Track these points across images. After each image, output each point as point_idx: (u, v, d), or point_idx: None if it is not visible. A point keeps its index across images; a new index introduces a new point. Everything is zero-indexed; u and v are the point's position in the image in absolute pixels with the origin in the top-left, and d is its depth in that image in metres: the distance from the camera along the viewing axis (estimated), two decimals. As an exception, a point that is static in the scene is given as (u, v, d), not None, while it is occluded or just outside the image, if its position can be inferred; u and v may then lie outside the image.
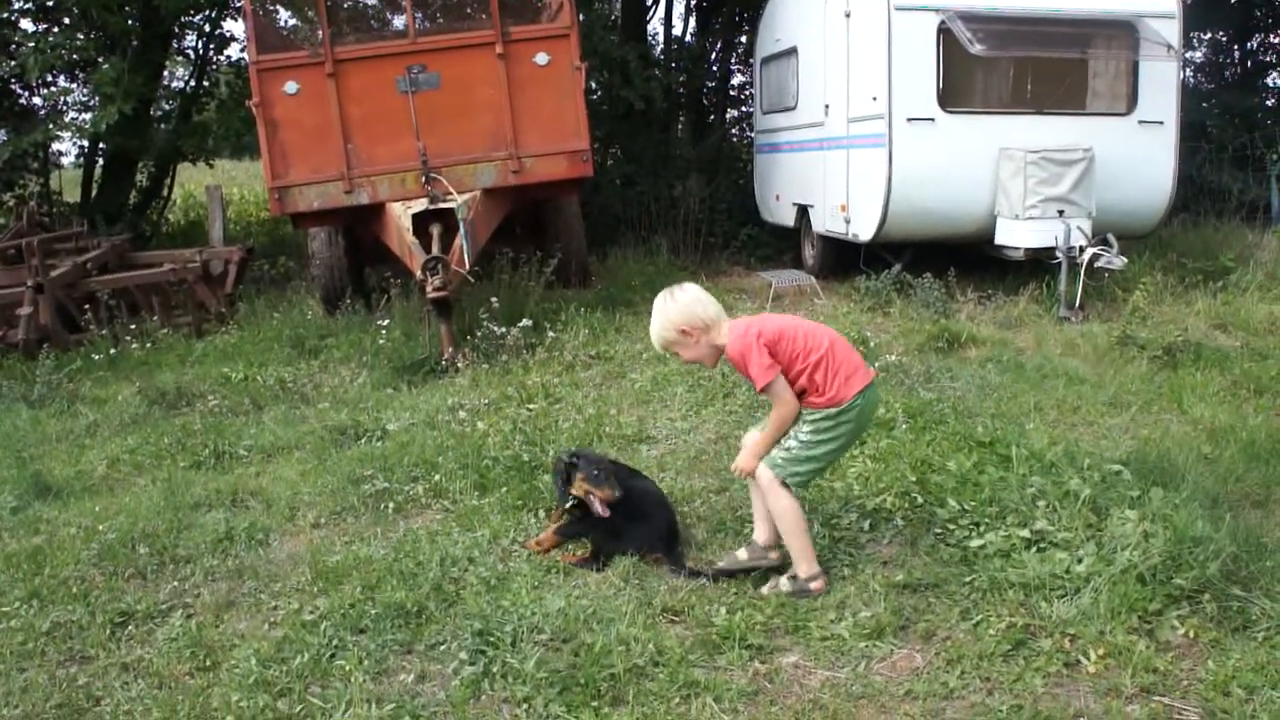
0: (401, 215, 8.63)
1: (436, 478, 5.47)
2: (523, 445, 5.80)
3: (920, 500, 4.77)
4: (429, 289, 7.78)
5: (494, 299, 8.70)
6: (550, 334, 8.35)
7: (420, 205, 8.68)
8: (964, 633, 3.70)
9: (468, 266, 8.10)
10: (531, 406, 6.69)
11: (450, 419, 6.51)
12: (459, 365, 7.75)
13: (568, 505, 4.62)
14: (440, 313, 7.96)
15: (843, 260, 11.49)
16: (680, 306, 4.03)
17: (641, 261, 12.53)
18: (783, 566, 4.23)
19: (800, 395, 3.97)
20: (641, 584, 4.21)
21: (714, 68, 17.31)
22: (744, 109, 17.33)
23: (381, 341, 8.33)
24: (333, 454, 6.06)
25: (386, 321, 8.65)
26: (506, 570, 4.37)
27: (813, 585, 4.08)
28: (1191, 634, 3.62)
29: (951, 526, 4.45)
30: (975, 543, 4.24)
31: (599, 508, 4.49)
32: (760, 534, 4.27)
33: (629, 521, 4.50)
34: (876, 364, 7.05)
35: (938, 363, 7.41)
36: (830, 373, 3.97)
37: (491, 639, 3.71)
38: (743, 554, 4.22)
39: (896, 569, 4.22)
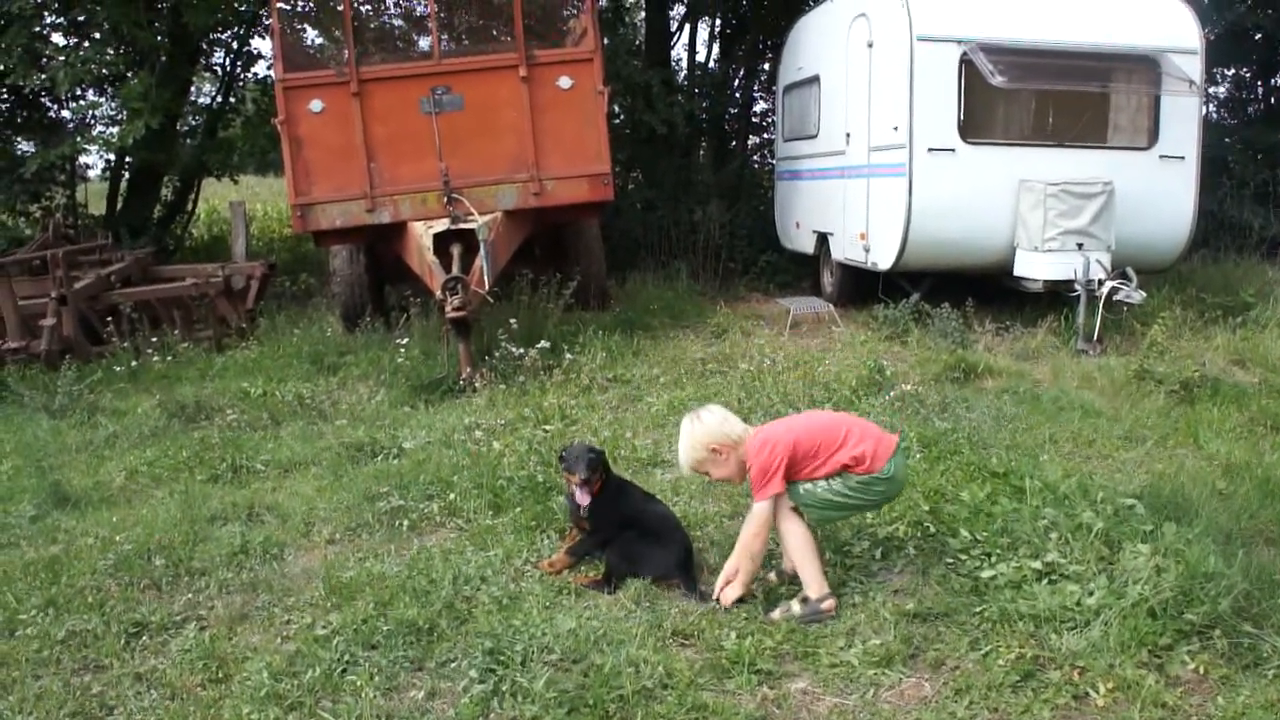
0: (423, 235, 8.69)
1: (451, 496, 5.49)
2: (538, 466, 5.82)
3: (933, 530, 4.77)
4: (448, 308, 7.82)
5: (513, 320, 8.74)
6: (568, 356, 8.38)
7: (441, 225, 8.75)
8: (973, 663, 3.70)
9: (487, 287, 8.14)
10: (548, 428, 6.71)
11: (466, 438, 6.53)
12: (476, 385, 7.78)
13: (580, 513, 4.69)
14: (459, 332, 7.99)
15: (861, 288, 11.50)
16: (707, 427, 4.19)
17: (660, 286, 12.56)
18: (791, 589, 4.26)
19: (840, 469, 4.12)
20: (653, 607, 4.22)
21: (736, 94, 17.40)
22: (766, 136, 17.41)
23: (400, 360, 8.37)
24: (349, 470, 6.09)
25: (405, 340, 8.69)
26: (518, 590, 4.39)
27: (824, 605, 4.11)
28: (1202, 670, 3.62)
29: (963, 556, 4.45)
30: (987, 573, 4.23)
31: (577, 494, 4.58)
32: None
33: (644, 545, 4.52)
34: (891, 393, 7.07)
35: (954, 393, 7.42)
36: (866, 449, 4.13)
37: (502, 658, 3.73)
38: (796, 606, 4.21)
39: (907, 597, 4.22)
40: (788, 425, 4.30)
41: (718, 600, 4.22)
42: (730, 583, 4.23)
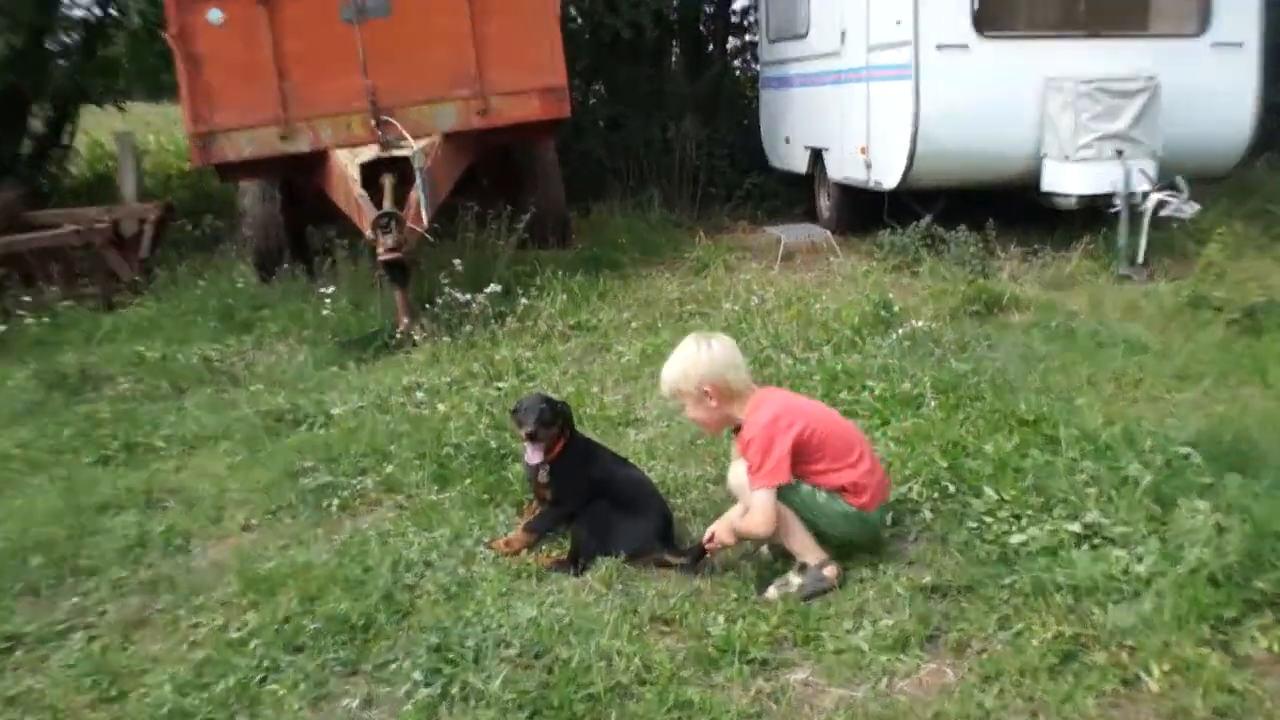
0: (348, 165, 8.58)
1: (389, 469, 5.48)
2: (490, 430, 5.80)
3: (952, 489, 4.76)
4: (381, 250, 7.76)
5: (457, 261, 8.68)
6: (523, 301, 8.35)
7: (370, 153, 8.65)
8: (1003, 644, 3.69)
9: (425, 223, 8.08)
10: (500, 385, 6.69)
11: (405, 401, 6.52)
12: (416, 338, 7.75)
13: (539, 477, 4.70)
14: (394, 277, 7.95)
15: (863, 212, 11.48)
16: (711, 363, 4.17)
17: (630, 216, 12.53)
18: (784, 564, 4.29)
19: (836, 488, 4.19)
20: (626, 589, 4.21)
21: (713, -11, 17.24)
22: (748, 38, 17.24)
23: (325, 312, 8.32)
24: (267, 444, 6.06)
25: (331, 289, 8.64)
26: (469, 575, 4.38)
27: (827, 571, 4.14)
28: (1275, 647, 3.58)
29: (988, 519, 4.44)
30: (1016, 538, 4.22)
31: (528, 452, 4.61)
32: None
33: (616, 517, 4.53)
34: (899, 332, 7.07)
35: (974, 329, 7.41)
36: (872, 482, 4.23)
37: (450, 655, 3.71)
38: (794, 579, 4.22)
39: (924, 569, 4.21)
40: (802, 406, 4.32)
41: (707, 544, 4.28)
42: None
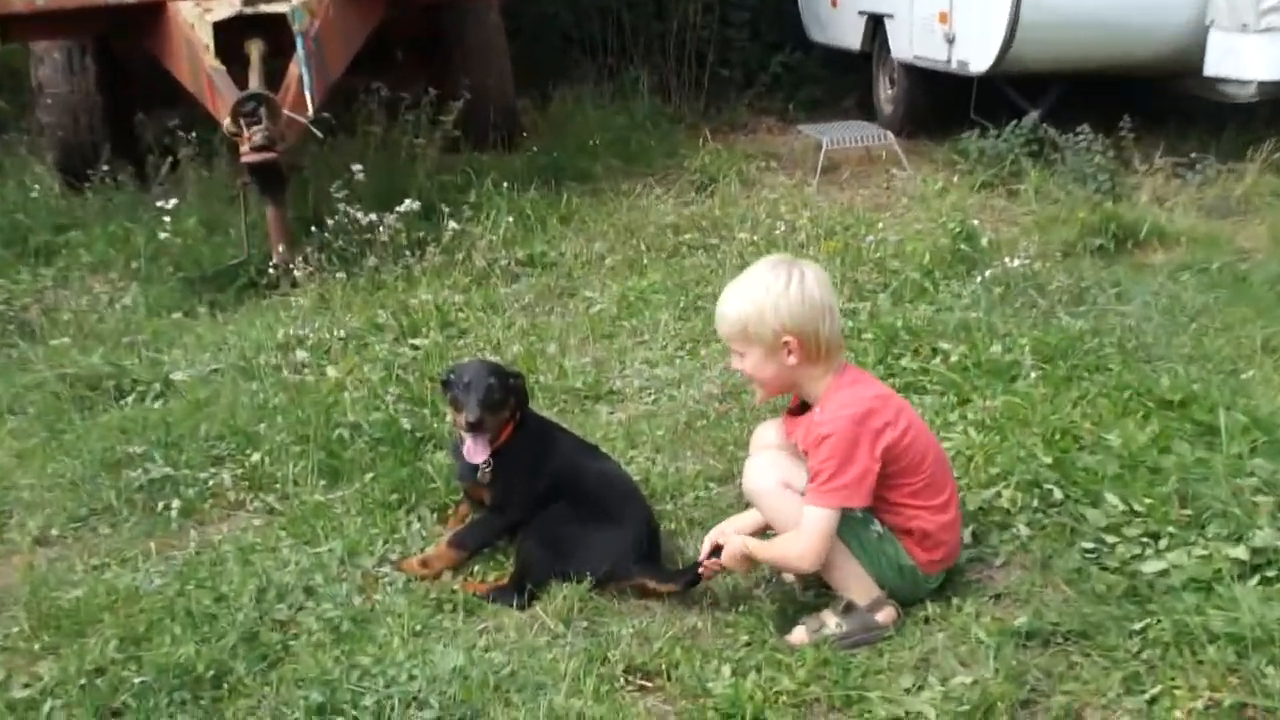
0: (194, 24, 8.48)
1: (255, 458, 5.50)
2: (401, 405, 5.82)
3: (1059, 495, 4.75)
4: (246, 149, 7.68)
5: (358, 167, 8.65)
6: (452, 225, 8.33)
7: (227, 8, 8.56)
8: (1131, 715, 3.69)
9: (311, 111, 8.03)
10: (418, 343, 6.71)
11: (281, 363, 6.51)
12: (296, 275, 7.72)
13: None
14: (265, 188, 7.92)
15: (941, 106, 11.49)
16: (803, 302, 4.10)
17: (607, 107, 12.54)
18: (821, 597, 4.29)
19: (905, 530, 4.22)
20: (593, 628, 4.24)
21: None
22: None
23: (164, 236, 8.28)
24: (76, 422, 6.05)
25: (173, 203, 8.57)
26: (369, 608, 4.39)
27: (880, 617, 4.15)
28: None
29: (1111, 539, 4.44)
30: (1151, 566, 4.22)
31: (468, 445, 4.59)
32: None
33: (580, 527, 4.55)
34: (987, 274, 7.07)
35: (1096, 272, 7.41)
36: (951, 539, 4.29)
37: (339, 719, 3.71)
38: (833, 621, 4.22)
39: (1016, 607, 4.22)
40: (904, 405, 4.31)
41: (701, 567, 4.32)
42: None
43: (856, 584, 4.17)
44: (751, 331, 4.13)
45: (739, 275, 4.25)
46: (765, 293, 4.10)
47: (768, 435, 4.46)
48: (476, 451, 4.57)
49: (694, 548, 4.62)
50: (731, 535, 4.30)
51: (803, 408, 4.27)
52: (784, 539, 4.12)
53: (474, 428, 4.53)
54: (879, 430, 4.04)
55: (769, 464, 4.22)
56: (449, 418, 4.77)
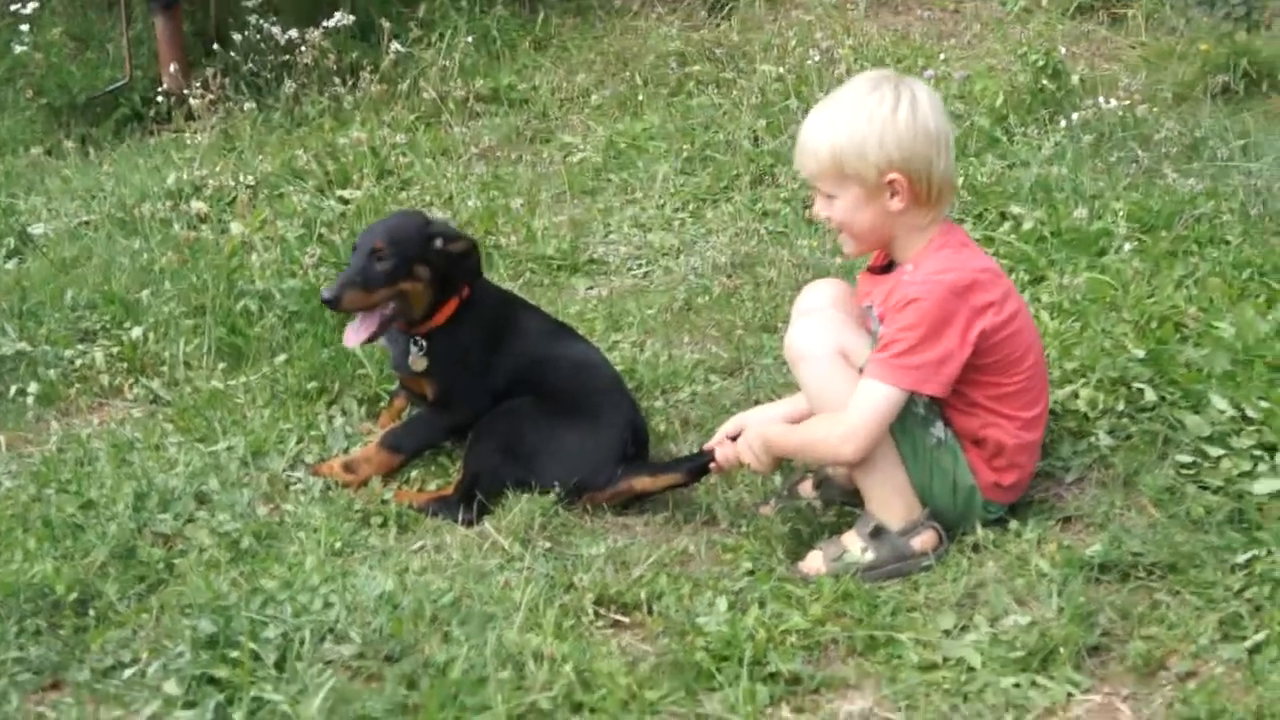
0: None
1: (135, 334, 5.53)
2: (324, 270, 5.85)
3: (1151, 396, 4.76)
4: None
5: (272, -32, 8.62)
6: (395, 47, 8.33)
7: None
8: (1227, 666, 3.70)
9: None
10: (347, 194, 6.75)
11: (171, 215, 6.54)
12: (193, 104, 7.71)
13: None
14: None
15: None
16: (917, 134, 4.08)
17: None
18: (843, 517, 4.35)
19: (976, 439, 4.26)
20: (556, 549, 4.28)
21: None
22: None
23: (21, 50, 8.29)
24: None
25: (32, 7, 8.54)
26: (277, 520, 4.43)
27: (916, 543, 4.18)
28: None
29: (1214, 451, 4.43)
30: (1264, 486, 4.22)
31: (348, 330, 4.65)
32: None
33: (546, 425, 4.59)
34: (1075, 118, 7.06)
35: (1219, 121, 7.36)
36: (1032, 458, 4.35)
37: (234, 655, 3.71)
38: (857, 545, 4.26)
39: (1090, 532, 4.25)
40: (1011, 289, 4.29)
41: (717, 457, 4.40)
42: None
43: (896, 499, 4.18)
44: (849, 168, 4.10)
45: (830, 96, 4.21)
46: (868, 119, 4.06)
47: (818, 297, 4.40)
48: (353, 333, 4.61)
49: (687, 450, 4.70)
50: (754, 422, 4.34)
51: (887, 268, 4.28)
52: (824, 418, 4.13)
53: (331, 304, 4.57)
54: (979, 309, 4.04)
55: (823, 324, 4.19)
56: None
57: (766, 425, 4.30)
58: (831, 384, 4.10)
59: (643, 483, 4.50)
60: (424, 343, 4.67)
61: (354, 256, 4.58)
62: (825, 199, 4.19)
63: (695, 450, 4.62)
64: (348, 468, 4.68)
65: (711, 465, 4.41)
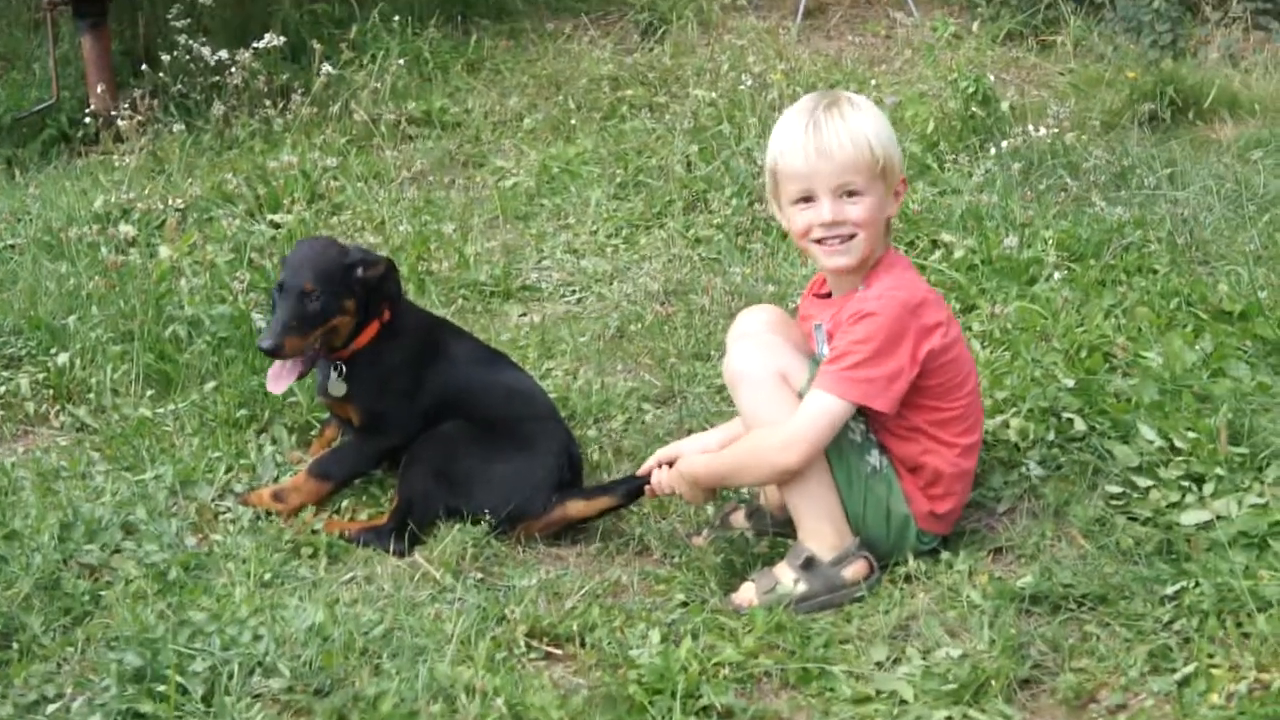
0: None
1: (61, 360, 5.49)
2: (255, 296, 5.85)
3: (1080, 426, 4.80)
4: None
5: (201, -12, 8.60)
6: (326, 69, 8.32)
7: None
8: (1156, 699, 3.73)
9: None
10: (278, 218, 6.74)
11: (99, 239, 6.50)
12: (121, 126, 7.68)
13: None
14: (80, 10, 7.90)
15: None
16: (885, 125, 4.22)
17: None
18: (776, 547, 4.35)
19: (913, 466, 4.26)
20: (488, 579, 4.28)
21: None
22: None
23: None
24: None
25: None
26: (205, 550, 4.41)
27: (847, 573, 4.18)
28: None
29: (1142, 482, 4.48)
30: (1191, 517, 4.26)
31: (269, 375, 4.60)
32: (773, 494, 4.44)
33: (479, 452, 4.58)
34: (1006, 145, 7.09)
35: (1146, 149, 7.44)
36: (965, 488, 4.38)
37: (161, 689, 3.70)
38: (789, 576, 4.25)
39: (1021, 564, 4.27)
40: (952, 315, 4.36)
41: (651, 481, 4.39)
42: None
43: (827, 525, 4.18)
44: (887, 166, 4.17)
45: (850, 103, 4.22)
46: (886, 123, 4.21)
47: (755, 321, 4.42)
48: (276, 379, 4.59)
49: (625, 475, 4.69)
50: (686, 452, 4.35)
51: (830, 294, 4.31)
52: (763, 430, 4.13)
53: (273, 353, 4.53)
54: (929, 328, 4.10)
55: (762, 347, 4.22)
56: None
57: (691, 460, 4.30)
58: (770, 406, 4.12)
59: (577, 508, 4.51)
60: (343, 367, 4.64)
61: (282, 298, 4.52)
62: (850, 200, 4.17)
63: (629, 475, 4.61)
64: (277, 497, 4.65)
65: (646, 489, 4.41)
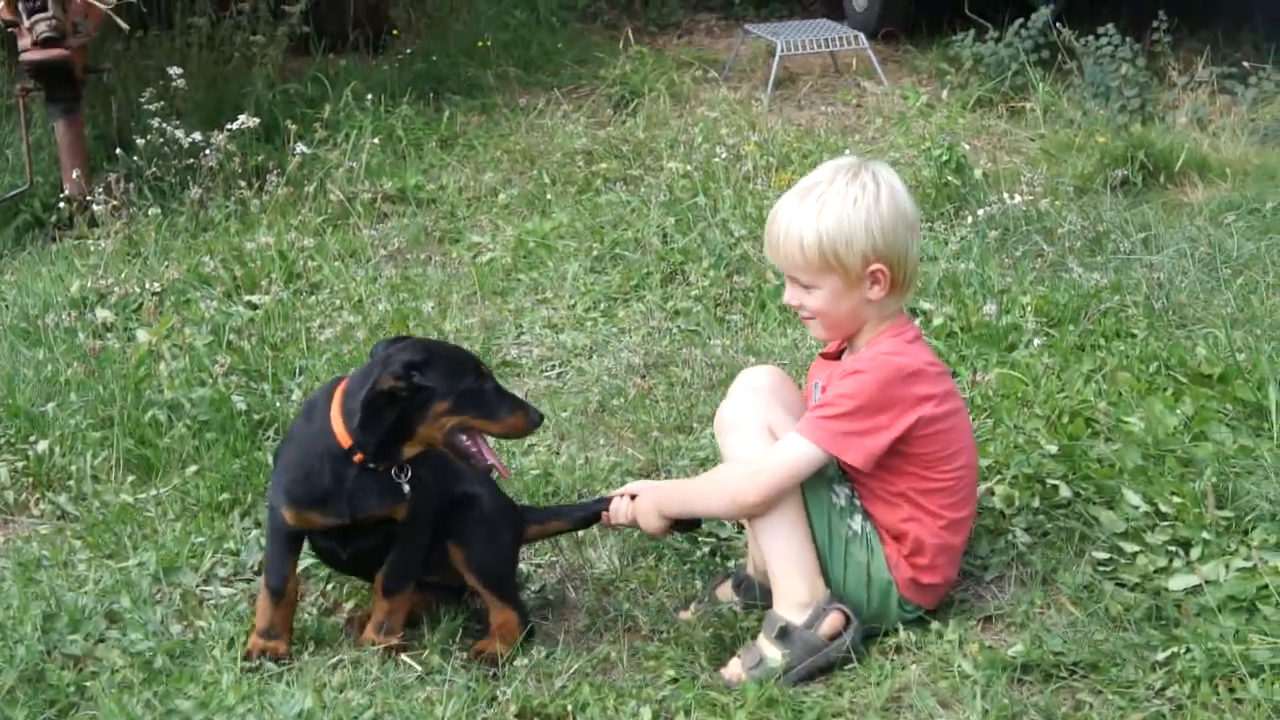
0: None
1: (41, 447, 5.44)
2: (234, 378, 5.79)
3: (1065, 493, 4.80)
4: (27, 43, 7.64)
5: (177, 71, 8.60)
6: (300, 149, 8.30)
7: None
8: (1152, 770, 3.74)
9: (113, -2, 7.97)
10: (256, 300, 6.69)
11: (76, 324, 6.46)
12: (96, 210, 7.62)
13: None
14: (53, 96, 7.88)
15: (928, 2, 11.54)
16: (895, 216, 4.08)
17: (500, 2, 12.50)
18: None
19: (895, 535, 4.21)
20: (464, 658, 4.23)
21: None
22: None
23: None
24: None
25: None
26: (190, 637, 4.36)
27: (824, 629, 4.14)
28: None
29: (1129, 548, 4.48)
30: (1179, 582, 4.26)
31: (488, 456, 4.30)
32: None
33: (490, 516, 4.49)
34: (981, 213, 7.10)
35: (1119, 213, 7.46)
36: (954, 565, 4.32)
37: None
38: (771, 650, 4.21)
39: (1011, 632, 4.25)
40: (954, 390, 4.30)
41: (605, 506, 4.40)
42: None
43: (799, 579, 4.15)
44: (836, 259, 4.07)
45: (804, 186, 4.16)
46: (854, 208, 4.04)
47: (758, 378, 4.37)
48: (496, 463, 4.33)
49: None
50: (648, 487, 4.36)
51: (840, 354, 4.28)
52: (724, 468, 4.15)
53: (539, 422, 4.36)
54: (920, 399, 4.05)
55: (756, 400, 4.20)
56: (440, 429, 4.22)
57: (657, 485, 4.36)
58: (751, 454, 4.11)
59: (531, 530, 4.51)
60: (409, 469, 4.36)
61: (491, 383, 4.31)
62: (801, 289, 4.16)
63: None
64: (384, 630, 4.36)
65: (603, 515, 4.39)
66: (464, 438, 4.21)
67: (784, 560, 4.16)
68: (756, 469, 4.03)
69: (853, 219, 4.03)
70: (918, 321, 6.06)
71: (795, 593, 4.15)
